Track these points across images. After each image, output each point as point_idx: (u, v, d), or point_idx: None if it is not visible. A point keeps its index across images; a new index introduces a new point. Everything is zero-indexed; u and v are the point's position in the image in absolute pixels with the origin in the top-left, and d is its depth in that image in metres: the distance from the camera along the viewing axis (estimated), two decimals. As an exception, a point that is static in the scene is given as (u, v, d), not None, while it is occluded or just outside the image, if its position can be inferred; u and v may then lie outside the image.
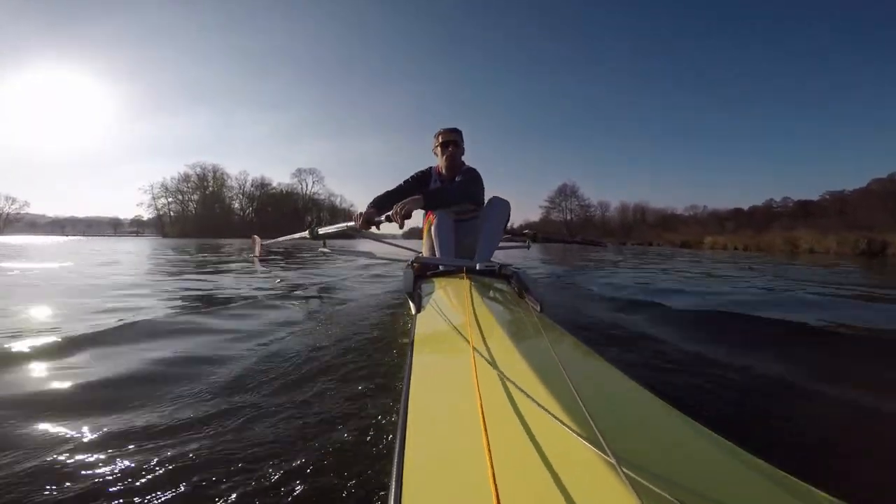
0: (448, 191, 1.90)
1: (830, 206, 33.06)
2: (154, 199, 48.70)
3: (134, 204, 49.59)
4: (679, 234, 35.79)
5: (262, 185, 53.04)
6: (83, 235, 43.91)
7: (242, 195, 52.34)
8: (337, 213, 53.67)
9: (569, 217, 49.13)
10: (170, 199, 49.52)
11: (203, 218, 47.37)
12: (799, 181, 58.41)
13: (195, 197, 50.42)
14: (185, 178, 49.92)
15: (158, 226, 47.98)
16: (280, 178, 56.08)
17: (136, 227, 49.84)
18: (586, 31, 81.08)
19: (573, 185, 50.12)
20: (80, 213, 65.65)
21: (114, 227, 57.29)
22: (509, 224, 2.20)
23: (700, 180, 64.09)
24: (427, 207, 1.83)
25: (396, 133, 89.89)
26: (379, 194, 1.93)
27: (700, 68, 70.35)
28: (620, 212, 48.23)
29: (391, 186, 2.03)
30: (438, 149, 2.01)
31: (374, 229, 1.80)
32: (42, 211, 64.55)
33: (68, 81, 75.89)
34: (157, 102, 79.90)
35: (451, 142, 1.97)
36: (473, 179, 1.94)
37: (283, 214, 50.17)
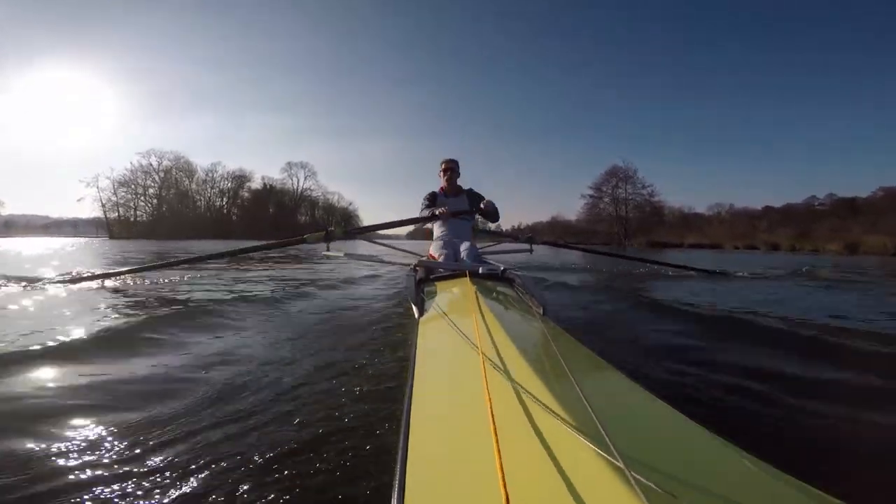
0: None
1: (882, 202, 29.81)
2: (100, 192, 40.64)
3: (75, 200, 41.29)
4: (706, 235, 32.48)
5: (240, 178, 46.73)
6: (50, 235, 40.16)
7: (212, 189, 45.47)
8: (335, 210, 50.66)
9: (625, 211, 37.14)
10: (119, 194, 41.32)
11: (163, 217, 40.93)
12: (832, 179, 54.70)
13: (152, 191, 42.29)
14: (143, 169, 41.80)
15: (104, 226, 41.27)
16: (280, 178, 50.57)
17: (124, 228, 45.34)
18: (585, 33, 77.40)
19: (628, 168, 37.21)
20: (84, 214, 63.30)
21: (96, 228, 53.41)
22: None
23: (719, 180, 60.44)
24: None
25: (396, 135, 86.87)
26: (423, 205, 2.81)
27: (704, 67, 66.68)
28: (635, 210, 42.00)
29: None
30: (442, 173, 2.93)
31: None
32: (46, 213, 62.04)
33: (78, 85, 72.26)
34: (163, 105, 76.53)
35: (451, 168, 2.90)
36: (480, 196, 2.83)
37: (265, 211, 46.39)
